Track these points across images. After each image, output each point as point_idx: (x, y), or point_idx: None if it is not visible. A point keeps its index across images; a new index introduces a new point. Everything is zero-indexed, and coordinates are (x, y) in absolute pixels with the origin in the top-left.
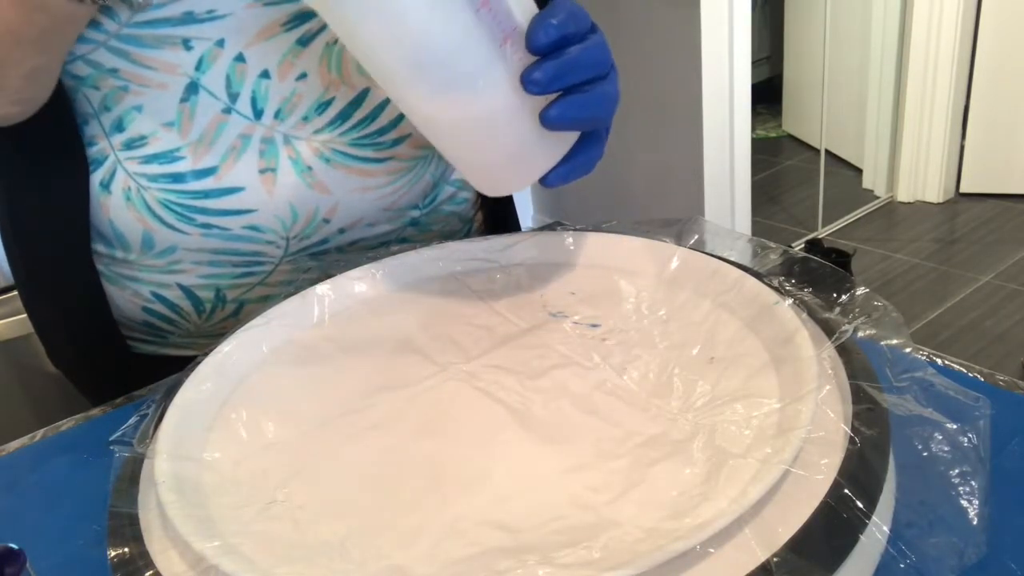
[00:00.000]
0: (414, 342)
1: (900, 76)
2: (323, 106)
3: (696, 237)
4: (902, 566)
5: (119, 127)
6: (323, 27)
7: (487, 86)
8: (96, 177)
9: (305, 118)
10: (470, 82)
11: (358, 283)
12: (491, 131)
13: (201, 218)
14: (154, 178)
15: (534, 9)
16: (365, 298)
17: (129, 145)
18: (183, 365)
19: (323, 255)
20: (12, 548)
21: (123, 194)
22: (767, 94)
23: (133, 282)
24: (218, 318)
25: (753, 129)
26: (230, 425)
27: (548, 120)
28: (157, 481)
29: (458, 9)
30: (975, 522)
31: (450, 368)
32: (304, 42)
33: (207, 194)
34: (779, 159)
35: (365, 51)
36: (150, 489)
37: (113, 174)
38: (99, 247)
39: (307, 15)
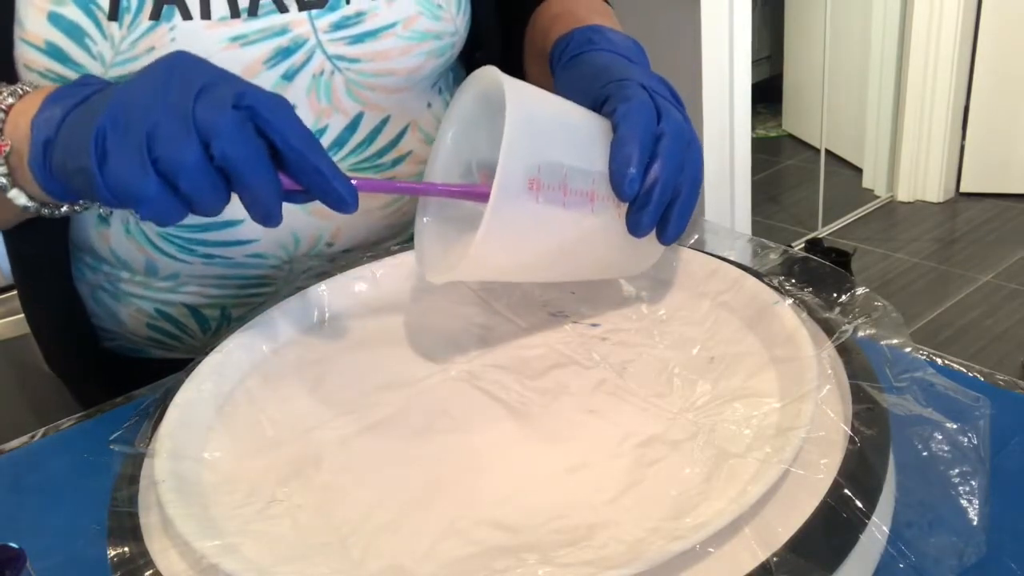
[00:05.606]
0: (414, 342)
1: (900, 76)
2: (317, 135)
3: (696, 237)
4: (902, 566)
5: None
6: (307, 61)
7: (593, 246)
8: (94, 210)
9: None
10: (579, 254)
11: (358, 283)
12: (606, 255)
13: (202, 249)
14: None
15: (593, 125)
16: (365, 298)
17: None
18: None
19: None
20: (12, 548)
21: (123, 227)
22: (767, 94)
23: (138, 300)
24: (223, 335)
25: (753, 129)
26: (230, 424)
27: (669, 242)
28: (157, 480)
29: (557, 218)
30: (975, 522)
31: (450, 368)
32: (289, 76)
33: (206, 227)
34: (779, 159)
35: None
36: (150, 489)
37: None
38: (104, 268)
39: (290, 50)
